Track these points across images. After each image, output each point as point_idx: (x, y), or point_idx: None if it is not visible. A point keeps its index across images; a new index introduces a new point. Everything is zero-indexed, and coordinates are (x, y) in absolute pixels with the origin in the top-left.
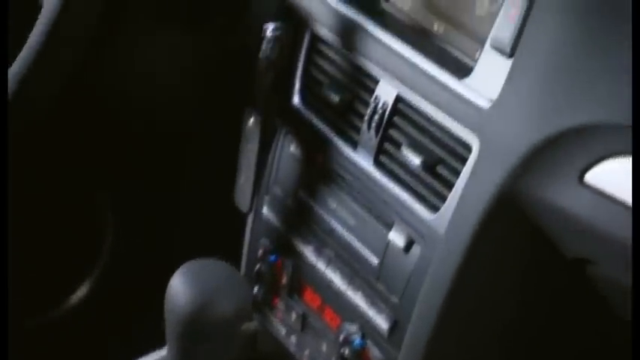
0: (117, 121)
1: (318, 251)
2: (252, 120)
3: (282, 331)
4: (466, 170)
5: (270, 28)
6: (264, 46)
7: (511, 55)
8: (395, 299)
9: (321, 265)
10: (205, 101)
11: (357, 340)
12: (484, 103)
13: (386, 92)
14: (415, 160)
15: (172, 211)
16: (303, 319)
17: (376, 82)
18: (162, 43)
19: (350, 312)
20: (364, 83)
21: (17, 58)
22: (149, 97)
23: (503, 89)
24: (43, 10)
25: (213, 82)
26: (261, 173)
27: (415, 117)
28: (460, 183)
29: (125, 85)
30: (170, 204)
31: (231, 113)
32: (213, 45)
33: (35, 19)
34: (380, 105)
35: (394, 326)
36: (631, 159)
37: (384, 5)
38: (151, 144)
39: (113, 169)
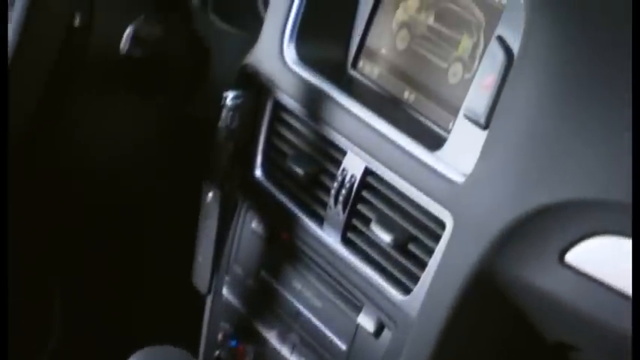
0: (68, 194)
1: (282, 336)
2: (211, 194)
3: None
4: (440, 248)
5: (230, 96)
6: (224, 114)
7: (486, 126)
8: None
9: (285, 352)
10: (161, 173)
11: None
12: (458, 178)
13: (354, 165)
14: (385, 237)
15: (127, 293)
16: None
17: (343, 153)
18: (115, 112)
19: None
20: (330, 155)
21: None
22: (101, 169)
23: (478, 163)
24: None
25: (169, 153)
26: (221, 251)
27: (385, 191)
28: (433, 262)
29: (77, 156)
30: (125, 285)
31: (189, 186)
32: (169, 113)
33: None
34: (347, 178)
35: None
36: (630, 240)
37: (351, 72)
38: (105, 220)
39: (65, 250)
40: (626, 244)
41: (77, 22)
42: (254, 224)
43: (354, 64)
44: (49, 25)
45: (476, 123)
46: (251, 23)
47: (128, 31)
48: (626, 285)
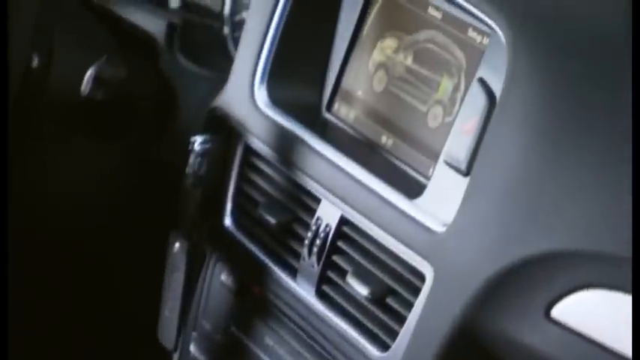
0: (25, 243)
1: None
2: (177, 244)
3: None
4: (419, 302)
5: (198, 141)
6: (192, 160)
7: (467, 173)
8: None
9: None
10: (125, 222)
11: None
12: (438, 227)
13: (328, 213)
14: (362, 290)
15: (89, 348)
16: None
17: (317, 201)
18: (75, 157)
19: None
20: (304, 203)
21: None
22: (61, 217)
23: (459, 212)
24: None
25: (134, 201)
26: (189, 305)
27: (362, 242)
28: (413, 317)
29: (35, 203)
30: (87, 340)
31: (155, 236)
32: (133, 158)
33: None
34: (322, 228)
35: None
36: (621, 294)
37: (326, 115)
38: (65, 272)
39: (23, 299)
40: (617, 298)
41: (35, 62)
42: (223, 276)
43: (329, 107)
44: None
45: (457, 169)
46: (220, 63)
47: (89, 72)
48: (615, 341)
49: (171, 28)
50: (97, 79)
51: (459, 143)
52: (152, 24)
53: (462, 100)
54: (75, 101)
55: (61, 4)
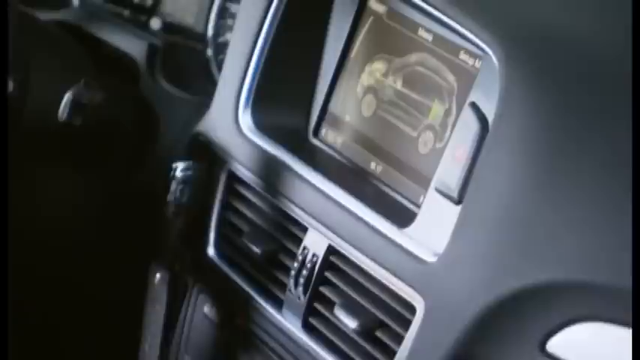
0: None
1: None
2: (158, 275)
3: None
4: (410, 335)
5: (180, 167)
6: (173, 187)
7: (459, 201)
8: None
9: None
10: (105, 252)
11: None
12: (429, 257)
13: (315, 243)
14: (350, 323)
15: None
16: None
17: (304, 230)
18: (52, 184)
19: None
20: (290, 232)
21: None
22: (37, 246)
23: (451, 241)
24: None
25: (113, 229)
26: (170, 339)
27: (350, 272)
28: (403, 350)
29: (11, 231)
30: None
31: (135, 267)
32: (113, 185)
33: None
34: (309, 258)
35: None
36: (620, 327)
37: (313, 140)
38: (41, 303)
39: None
40: (614, 332)
41: (11, 87)
42: (206, 308)
43: (316, 132)
44: None
45: (448, 197)
46: (203, 87)
47: (67, 96)
48: None
49: (152, 49)
50: (74, 104)
51: (450, 170)
52: (132, 46)
53: (454, 125)
54: (52, 127)
55: (36, 26)
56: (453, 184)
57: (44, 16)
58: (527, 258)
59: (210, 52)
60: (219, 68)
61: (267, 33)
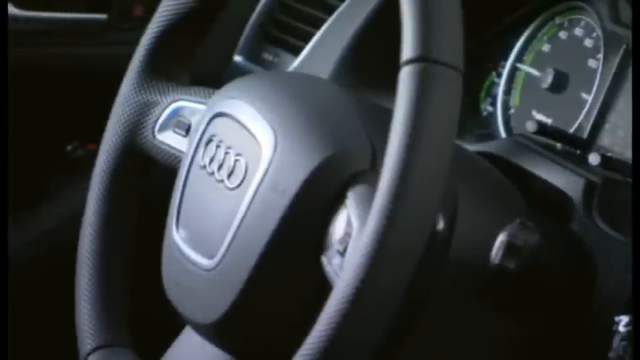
0: None
1: None
2: None
3: None
4: None
5: (623, 321)
6: (615, 343)
7: None
8: None
9: None
10: None
11: None
12: None
13: None
14: None
15: None
16: None
17: None
18: (469, 330)
19: None
20: None
21: None
22: None
23: None
24: None
25: None
26: None
27: None
28: None
29: None
30: None
31: None
32: (535, 340)
33: None
34: None
35: None
36: None
37: None
38: None
39: None
40: None
41: (440, 225)
42: None
43: None
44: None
45: None
46: None
47: (500, 237)
48: None
49: (590, 187)
50: (509, 245)
51: None
52: (567, 182)
53: None
54: (483, 270)
55: (462, 156)
56: None
57: (471, 147)
58: None
59: None
60: None
61: None
